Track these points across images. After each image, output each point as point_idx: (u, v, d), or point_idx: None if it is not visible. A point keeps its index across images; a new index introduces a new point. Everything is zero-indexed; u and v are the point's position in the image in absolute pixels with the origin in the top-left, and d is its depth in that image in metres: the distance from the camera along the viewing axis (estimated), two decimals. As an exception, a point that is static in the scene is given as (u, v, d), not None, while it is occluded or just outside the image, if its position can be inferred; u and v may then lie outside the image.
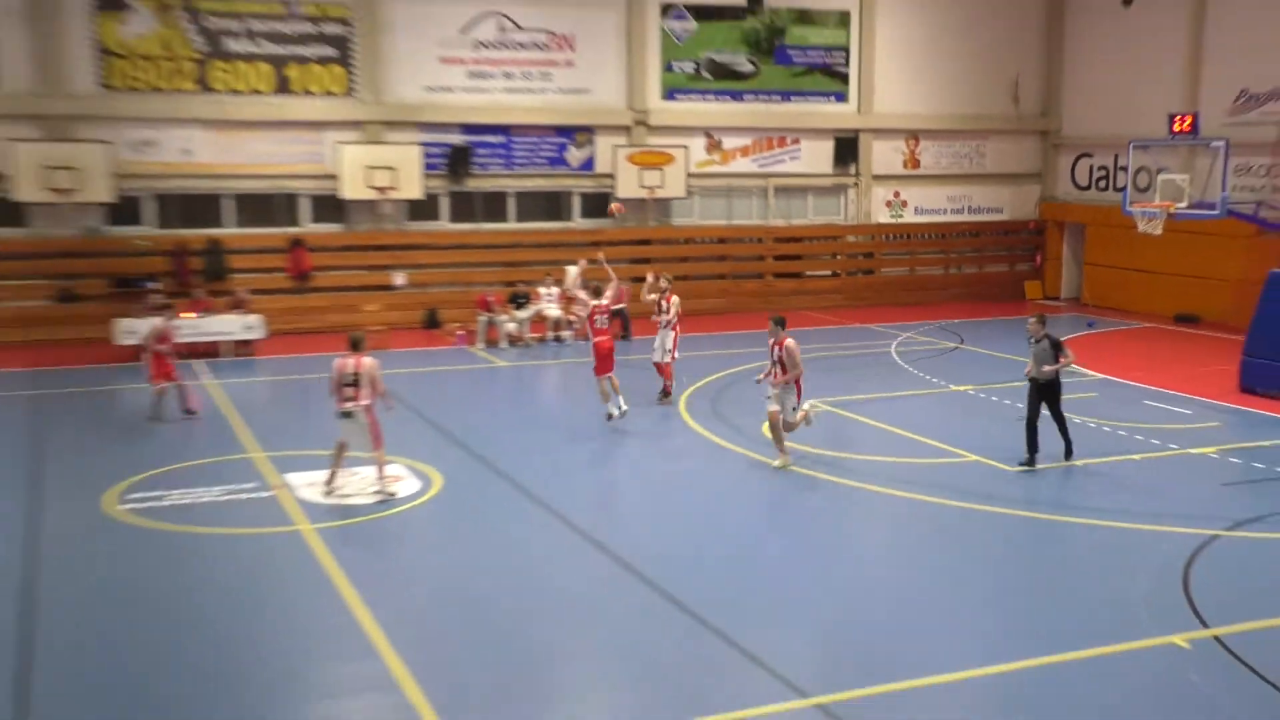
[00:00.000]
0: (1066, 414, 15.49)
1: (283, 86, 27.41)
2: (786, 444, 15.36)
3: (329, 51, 27.66)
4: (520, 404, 21.11)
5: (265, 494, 14.37)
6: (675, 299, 19.91)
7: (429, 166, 28.23)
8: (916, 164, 33.65)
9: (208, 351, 23.99)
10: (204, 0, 26.53)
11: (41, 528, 13.06)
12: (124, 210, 26.43)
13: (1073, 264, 34.33)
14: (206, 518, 13.44)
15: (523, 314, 26.23)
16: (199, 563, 12.15)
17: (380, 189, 27.45)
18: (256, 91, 27.22)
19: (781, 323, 15.34)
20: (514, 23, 29.01)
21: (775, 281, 32.27)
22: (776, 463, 15.22)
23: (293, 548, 12.49)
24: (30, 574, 11.65)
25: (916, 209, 33.87)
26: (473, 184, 29.23)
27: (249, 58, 27.06)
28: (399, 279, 28.24)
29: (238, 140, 27.26)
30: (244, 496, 14.26)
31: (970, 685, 9.28)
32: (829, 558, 12.44)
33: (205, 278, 26.29)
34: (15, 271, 25.67)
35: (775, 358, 15.13)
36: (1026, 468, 15.13)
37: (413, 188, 27.86)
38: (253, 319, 24.40)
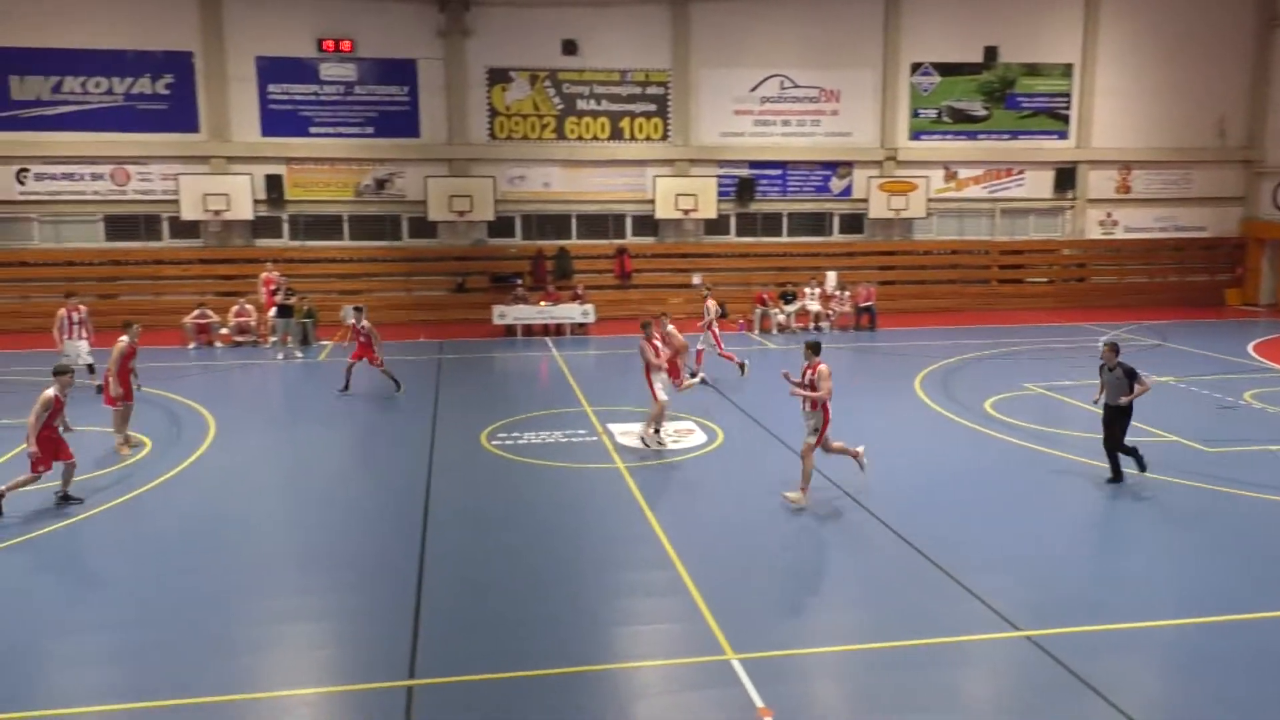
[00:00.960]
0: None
1: (616, 134, 28.16)
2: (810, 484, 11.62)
3: (651, 107, 28.19)
4: (762, 372, 20.87)
5: (592, 438, 14.84)
6: (710, 302, 19.79)
7: (722, 193, 28.32)
8: (1128, 189, 30.79)
9: (555, 331, 25.08)
10: (564, 73, 27.61)
11: (436, 453, 14.04)
12: (500, 226, 27.96)
13: (1270, 275, 30.57)
14: (550, 454, 14.02)
15: (790, 307, 25.95)
16: (544, 486, 12.71)
17: (685, 211, 27.81)
18: (596, 138, 28.09)
19: (816, 348, 11.69)
20: (792, 82, 28.59)
21: (998, 286, 30.41)
22: (791, 496, 11.55)
23: (611, 479, 12.87)
24: (429, 485, 12.56)
25: (1126, 227, 31.03)
26: (755, 207, 29.12)
27: (593, 113, 27.96)
28: (696, 279, 28.53)
29: (582, 175, 28.26)
30: (577, 439, 14.77)
31: (1159, 634, 8.50)
32: (1038, 515, 11.60)
33: (555, 276, 27.44)
34: (427, 269, 27.71)
35: (807, 381, 11.58)
36: (1142, 470, 12.42)
37: (709, 210, 28.04)
38: (588, 307, 25.28)
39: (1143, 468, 12.48)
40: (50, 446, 11.29)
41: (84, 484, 12.33)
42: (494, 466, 13.49)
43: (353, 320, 18.32)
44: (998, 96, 29.63)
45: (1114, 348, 12.39)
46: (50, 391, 11.29)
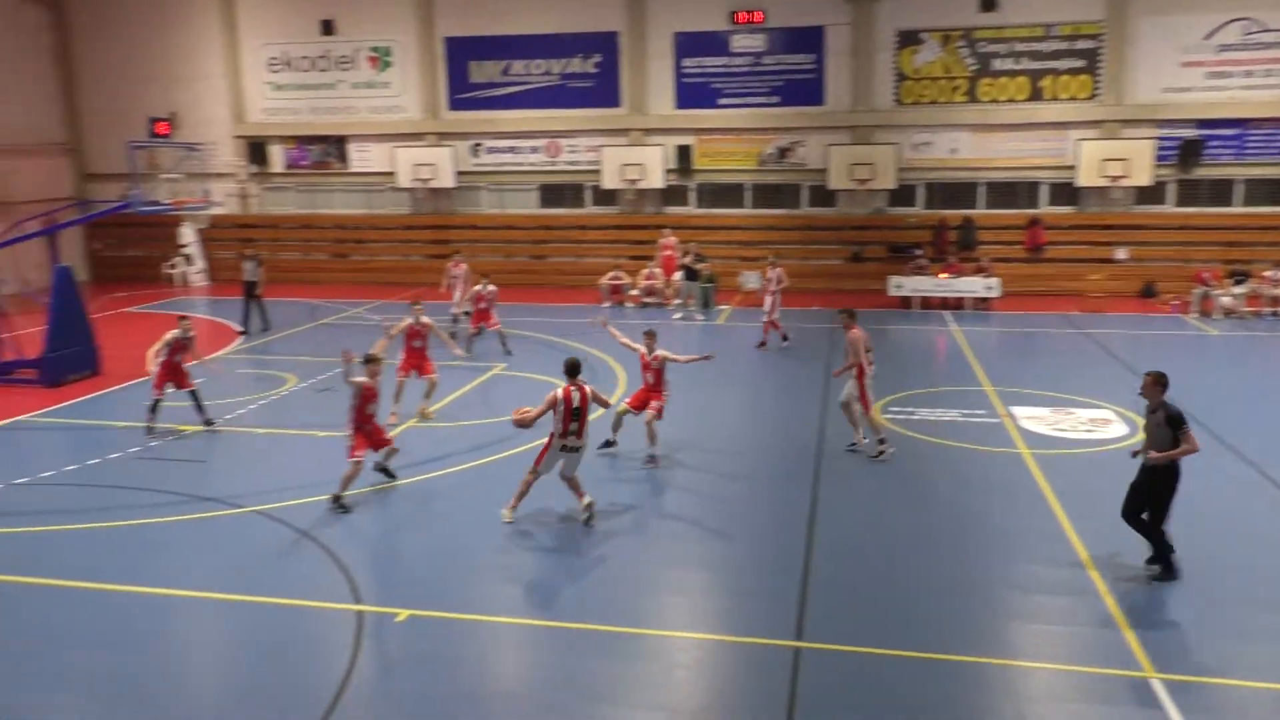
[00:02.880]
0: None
1: (1035, 95, 26.09)
2: (862, 430, 12.69)
3: (1078, 63, 25.74)
4: (1224, 367, 18.26)
5: (993, 420, 14.05)
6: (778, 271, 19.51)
7: (1160, 157, 25.21)
8: None
9: (955, 304, 23.99)
10: (979, 31, 26.08)
11: (829, 421, 14.06)
12: (901, 195, 27.18)
13: None
14: (946, 432, 13.50)
15: (1239, 289, 22.56)
16: (937, 464, 12.28)
17: (1112, 177, 25.15)
18: (1013, 100, 26.23)
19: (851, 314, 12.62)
20: (1261, 25, 24.60)
21: None
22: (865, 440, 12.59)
23: (1012, 465, 12.13)
24: (820, 453, 12.64)
25: None
26: (1200, 172, 25.57)
27: (1010, 73, 26.13)
28: (1121, 254, 25.78)
29: (993, 140, 26.59)
30: (976, 420, 14.07)
31: None
32: None
33: (958, 247, 26.19)
34: (823, 239, 27.72)
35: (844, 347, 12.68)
36: (1158, 577, 8.78)
37: (1143, 176, 25.11)
38: (992, 281, 23.85)
39: (1168, 573, 8.75)
40: (362, 436, 10.98)
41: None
42: (888, 440, 13.23)
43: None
44: None
45: (1158, 379, 8.80)
46: (360, 379, 10.90)
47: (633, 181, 27.65)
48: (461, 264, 20.94)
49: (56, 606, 8.58)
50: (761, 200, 28.19)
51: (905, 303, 24.16)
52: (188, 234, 29.22)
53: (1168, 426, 8.58)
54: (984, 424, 13.84)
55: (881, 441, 12.35)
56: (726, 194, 28.34)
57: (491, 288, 18.93)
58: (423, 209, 29.83)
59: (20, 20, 29.30)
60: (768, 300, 19.27)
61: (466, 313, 19.68)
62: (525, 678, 7.62)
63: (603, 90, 28.29)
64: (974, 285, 23.90)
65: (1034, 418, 13.97)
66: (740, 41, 27.35)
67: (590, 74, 28.30)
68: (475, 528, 10.34)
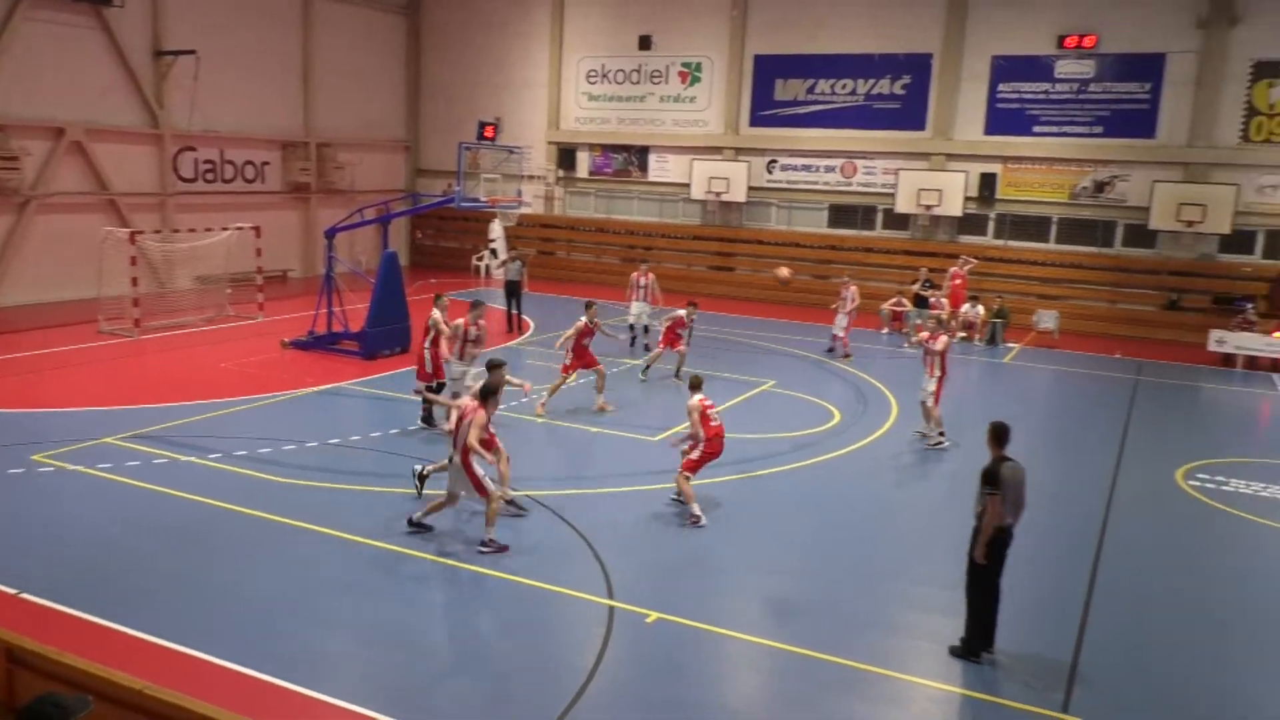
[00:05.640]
0: None
1: None
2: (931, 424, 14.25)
3: None
4: None
5: (1328, 506, 12.28)
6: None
7: None
8: None
9: (1286, 368, 21.23)
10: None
11: (1120, 481, 12.91)
12: (1235, 241, 24.36)
13: None
14: (1268, 510, 11.96)
15: None
16: (1248, 543, 11.01)
17: None
18: (1392, 142, 22.80)
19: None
20: None
21: None
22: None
23: (1348, 562, 10.52)
24: (1107, 515, 11.62)
25: None
26: None
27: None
28: None
29: (1362, 187, 23.24)
30: (1306, 503, 12.36)
31: None
32: None
33: (1300, 306, 23.14)
34: (1136, 282, 25.46)
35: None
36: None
37: None
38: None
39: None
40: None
41: (781, 440, 13.91)
42: (1188, 510, 11.97)
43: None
44: None
45: (995, 431, 7.97)
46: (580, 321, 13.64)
47: (928, 207, 26.74)
48: (649, 274, 20.83)
49: (333, 556, 9.54)
50: (1069, 236, 26.34)
51: (1227, 360, 21.64)
52: (496, 230, 31.60)
53: (983, 485, 7.72)
54: (1314, 509, 12.13)
55: (940, 434, 14.01)
56: (1030, 226, 26.73)
57: (694, 317, 17.75)
58: (711, 221, 30.44)
59: (382, 29, 32.98)
60: (842, 318, 20.47)
61: (645, 328, 20.37)
62: (764, 700, 7.56)
63: (908, 113, 27.58)
64: (1313, 348, 21.01)
65: (1382, 510, 12.05)
66: (1066, 67, 25.69)
67: (896, 95, 27.69)
68: (730, 540, 10.41)
